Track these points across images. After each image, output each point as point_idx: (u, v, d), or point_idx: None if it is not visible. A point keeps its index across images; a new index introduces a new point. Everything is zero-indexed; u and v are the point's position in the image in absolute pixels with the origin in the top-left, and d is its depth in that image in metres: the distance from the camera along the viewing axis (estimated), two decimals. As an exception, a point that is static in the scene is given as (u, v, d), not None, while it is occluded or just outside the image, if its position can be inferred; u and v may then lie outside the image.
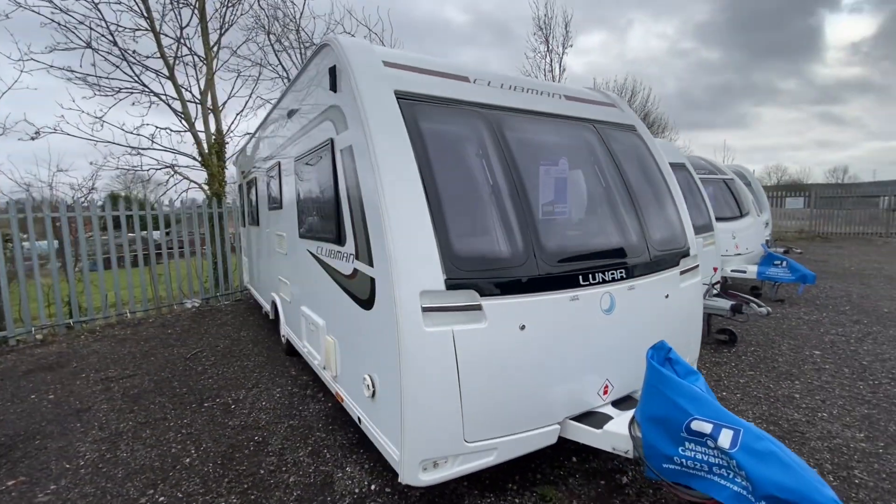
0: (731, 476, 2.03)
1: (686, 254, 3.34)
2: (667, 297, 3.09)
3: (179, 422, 3.68)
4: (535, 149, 2.92)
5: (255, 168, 6.05)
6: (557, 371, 2.52)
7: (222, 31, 9.90)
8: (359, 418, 2.78)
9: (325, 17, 19.80)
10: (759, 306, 5.01)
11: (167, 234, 8.04)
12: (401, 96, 2.46)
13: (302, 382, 4.40)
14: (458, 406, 2.18)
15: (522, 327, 2.34)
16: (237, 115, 10.78)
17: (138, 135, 9.58)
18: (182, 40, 9.19)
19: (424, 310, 2.10)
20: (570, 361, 2.57)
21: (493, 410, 2.31)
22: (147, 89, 9.15)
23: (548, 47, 17.32)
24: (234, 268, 9.03)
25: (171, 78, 9.01)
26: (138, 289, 7.51)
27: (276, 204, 4.71)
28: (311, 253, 3.53)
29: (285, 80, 12.14)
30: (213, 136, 9.80)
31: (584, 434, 2.53)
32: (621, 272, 2.79)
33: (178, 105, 9.39)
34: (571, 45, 17.18)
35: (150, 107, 9.53)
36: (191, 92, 9.62)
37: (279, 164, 4.43)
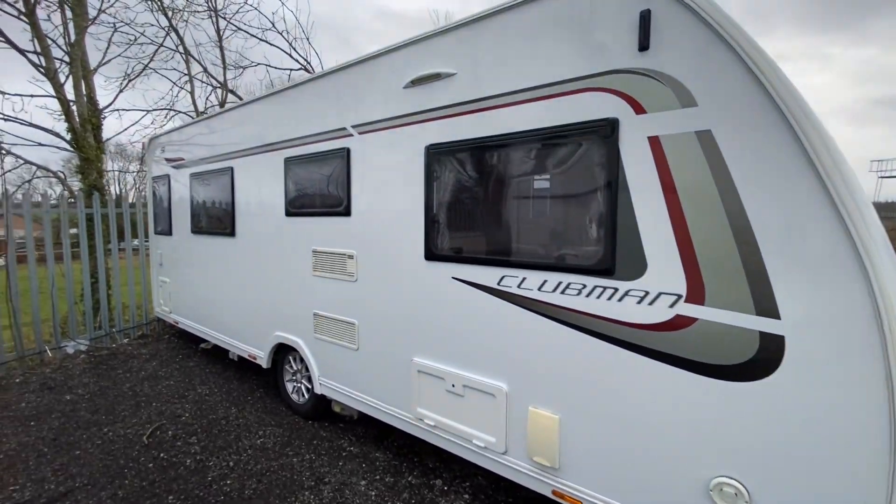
0: None
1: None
2: None
3: (251, 577, 2.15)
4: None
5: (228, 156, 4.33)
6: None
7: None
8: (656, 535, 1.88)
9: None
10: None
11: None
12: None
13: (383, 465, 3.09)
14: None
15: None
16: (124, 83, 7.96)
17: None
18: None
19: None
20: None
21: None
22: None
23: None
24: (135, 291, 6.49)
25: (31, 18, 6.13)
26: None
27: (328, 207, 3.33)
28: (475, 286, 2.44)
29: (183, 55, 9.56)
30: (88, 109, 7.04)
31: None
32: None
33: (34, 59, 6.48)
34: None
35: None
36: (57, 45, 6.75)
37: (348, 150, 3.10)
